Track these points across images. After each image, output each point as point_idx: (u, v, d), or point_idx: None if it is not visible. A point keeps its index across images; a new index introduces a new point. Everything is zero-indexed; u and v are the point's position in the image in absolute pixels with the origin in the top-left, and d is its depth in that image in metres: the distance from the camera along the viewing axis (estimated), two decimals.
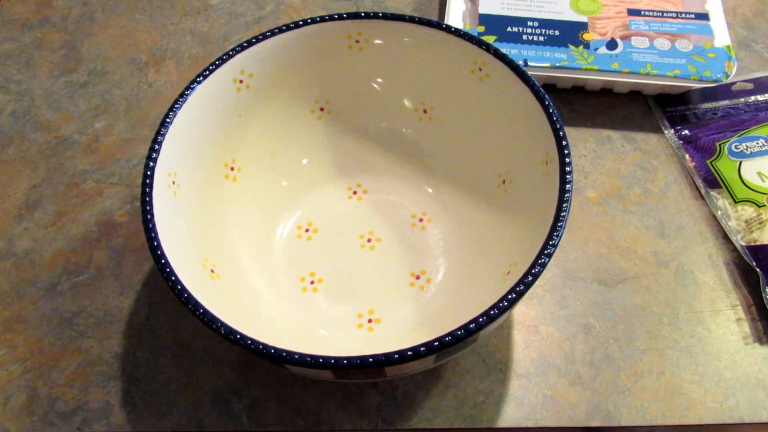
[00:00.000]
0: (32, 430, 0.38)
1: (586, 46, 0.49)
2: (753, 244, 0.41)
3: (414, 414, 0.38)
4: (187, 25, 0.57)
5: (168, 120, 0.36)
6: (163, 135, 0.36)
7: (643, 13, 0.51)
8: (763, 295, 0.40)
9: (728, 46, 0.49)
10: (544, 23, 0.50)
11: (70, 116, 0.51)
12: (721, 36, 0.50)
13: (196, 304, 0.30)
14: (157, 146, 0.35)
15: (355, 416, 0.38)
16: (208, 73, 0.38)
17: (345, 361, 0.29)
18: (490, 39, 0.49)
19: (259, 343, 0.29)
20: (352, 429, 0.37)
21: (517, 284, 0.30)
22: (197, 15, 0.58)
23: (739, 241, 0.42)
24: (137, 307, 0.42)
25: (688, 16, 0.51)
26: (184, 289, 0.31)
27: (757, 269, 0.40)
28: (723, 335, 0.40)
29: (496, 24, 0.50)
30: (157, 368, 0.39)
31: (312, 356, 0.29)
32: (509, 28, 0.50)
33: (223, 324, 0.30)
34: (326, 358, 0.29)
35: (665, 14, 0.51)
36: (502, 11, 0.51)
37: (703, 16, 0.51)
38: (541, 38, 0.49)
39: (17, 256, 0.44)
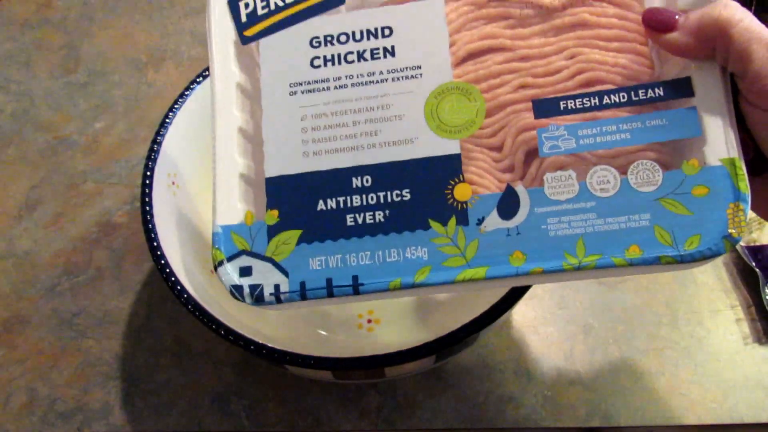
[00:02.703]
0: (32, 430, 0.38)
1: (461, 217, 0.26)
2: (752, 244, 0.41)
3: (414, 414, 0.38)
4: (186, 25, 0.57)
5: (168, 120, 0.36)
6: (163, 135, 0.36)
7: (563, 106, 0.27)
8: (763, 295, 0.40)
9: (732, 161, 0.25)
10: (381, 175, 0.27)
11: (69, 116, 0.51)
12: (716, 137, 0.25)
13: (196, 305, 0.30)
14: (156, 146, 0.35)
15: (355, 417, 0.38)
16: (207, 73, 0.38)
17: (345, 362, 0.29)
18: (291, 236, 0.27)
19: (259, 343, 0.29)
20: (352, 429, 0.37)
21: None
22: (197, 15, 0.57)
23: None
24: (137, 308, 0.42)
25: (656, 92, 0.26)
26: (183, 290, 0.31)
27: (757, 269, 0.40)
28: (722, 335, 0.40)
29: (287, 197, 0.28)
30: (157, 368, 0.39)
31: (312, 357, 0.29)
32: (320, 206, 0.27)
33: (222, 324, 0.30)
34: (326, 359, 0.29)
35: (611, 97, 0.26)
36: (303, 166, 0.28)
37: (685, 90, 0.26)
38: (379, 217, 0.27)
39: (17, 256, 0.44)
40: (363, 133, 0.28)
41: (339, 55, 0.28)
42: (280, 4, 0.29)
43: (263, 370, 0.39)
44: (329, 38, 0.29)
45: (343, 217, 0.27)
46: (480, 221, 0.26)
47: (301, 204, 0.27)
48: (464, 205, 0.26)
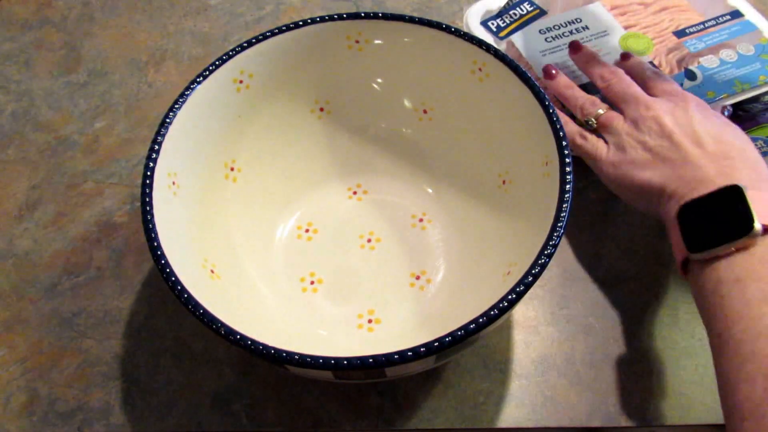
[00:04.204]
0: (32, 430, 0.38)
1: None
2: None
3: (414, 414, 0.38)
4: (187, 25, 0.57)
5: (168, 120, 0.36)
6: (163, 135, 0.36)
7: (687, 31, 0.49)
8: None
9: None
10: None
11: (70, 116, 0.51)
12: (766, 27, 0.49)
13: (196, 305, 0.30)
14: (157, 146, 0.35)
15: (355, 417, 0.38)
16: (208, 73, 0.38)
17: (345, 362, 0.29)
18: None
19: (259, 343, 0.29)
20: (352, 430, 0.37)
21: (517, 284, 0.30)
22: (197, 15, 0.58)
23: None
24: (137, 308, 0.42)
25: (724, 18, 0.49)
26: (184, 290, 0.31)
27: None
28: None
29: None
30: (157, 369, 0.39)
31: (312, 356, 0.29)
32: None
33: (222, 324, 0.30)
34: (326, 359, 0.29)
35: (706, 25, 0.49)
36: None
37: (737, 14, 0.50)
38: None
39: (17, 256, 0.44)
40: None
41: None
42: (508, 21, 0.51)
43: (263, 370, 0.39)
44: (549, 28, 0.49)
45: None
46: (680, 85, 0.43)
47: None
48: None
